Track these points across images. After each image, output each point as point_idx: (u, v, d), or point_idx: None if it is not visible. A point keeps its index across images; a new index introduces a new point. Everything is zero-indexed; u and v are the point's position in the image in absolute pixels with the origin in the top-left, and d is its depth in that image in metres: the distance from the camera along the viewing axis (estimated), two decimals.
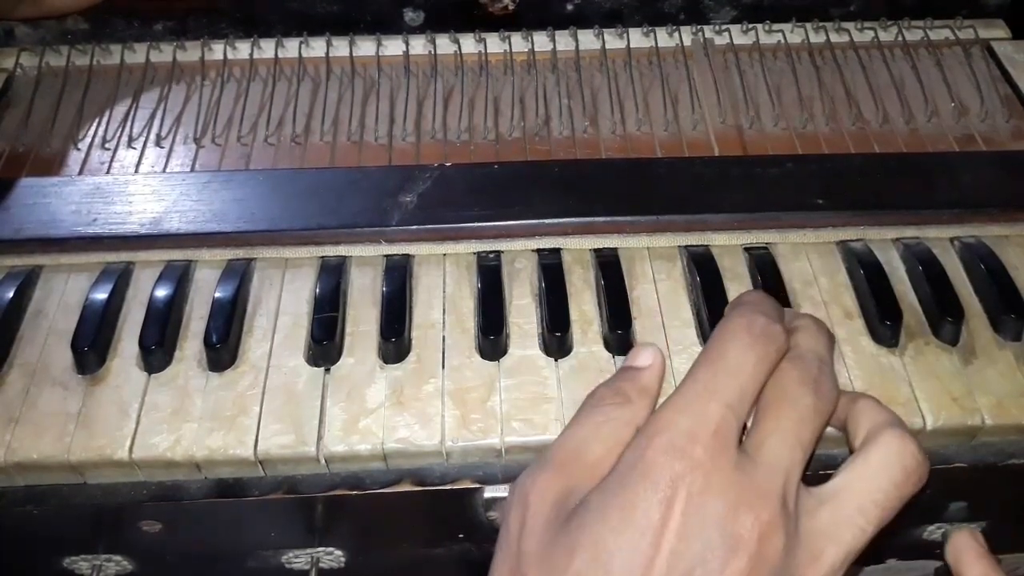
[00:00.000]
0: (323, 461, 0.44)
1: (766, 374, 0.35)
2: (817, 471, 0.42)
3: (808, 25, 0.65)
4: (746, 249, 0.51)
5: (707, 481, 0.32)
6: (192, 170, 0.56)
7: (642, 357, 0.39)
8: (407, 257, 0.51)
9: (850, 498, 0.33)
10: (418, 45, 0.64)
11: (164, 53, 0.63)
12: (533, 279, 0.50)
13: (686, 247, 0.51)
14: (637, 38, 0.64)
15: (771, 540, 0.31)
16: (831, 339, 0.40)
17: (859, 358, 0.46)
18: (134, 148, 0.57)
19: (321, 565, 0.49)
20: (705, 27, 0.65)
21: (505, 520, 0.35)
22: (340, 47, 0.64)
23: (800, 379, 0.35)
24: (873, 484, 0.34)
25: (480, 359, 0.47)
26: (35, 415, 0.44)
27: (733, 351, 0.35)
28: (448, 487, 0.44)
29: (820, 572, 0.32)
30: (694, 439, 0.32)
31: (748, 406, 0.35)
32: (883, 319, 0.47)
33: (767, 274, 0.49)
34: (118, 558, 0.48)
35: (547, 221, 0.51)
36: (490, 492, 0.44)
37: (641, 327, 0.48)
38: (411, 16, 0.65)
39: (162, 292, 0.49)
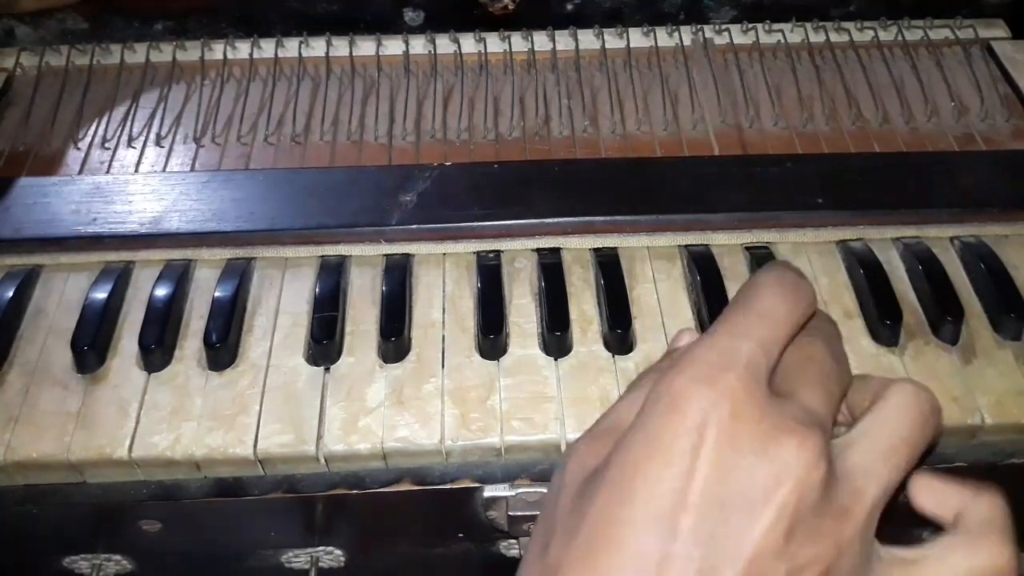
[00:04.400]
0: (323, 460, 0.44)
1: (795, 326, 0.34)
2: None
3: (808, 25, 0.65)
4: (747, 248, 0.51)
5: (741, 408, 0.30)
6: (192, 170, 0.56)
7: (684, 340, 0.39)
8: (407, 256, 0.51)
9: (878, 438, 0.32)
10: (418, 45, 0.64)
11: (164, 53, 0.64)
12: (533, 279, 0.50)
13: (686, 247, 0.51)
14: (637, 38, 0.64)
15: (815, 469, 0.30)
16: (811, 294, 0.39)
17: (859, 358, 0.46)
18: (134, 148, 0.57)
19: (321, 564, 0.49)
20: (705, 27, 0.65)
21: (547, 494, 0.34)
22: (340, 47, 0.64)
23: (824, 348, 0.35)
24: (896, 425, 0.33)
25: (480, 358, 0.47)
26: (35, 414, 0.44)
27: (766, 297, 0.34)
28: (448, 486, 0.44)
29: (863, 506, 0.31)
30: (725, 368, 0.31)
31: (778, 351, 0.33)
32: (883, 319, 0.47)
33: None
34: (118, 557, 0.48)
35: (547, 221, 0.51)
36: (490, 491, 0.44)
37: (641, 327, 0.48)
38: (411, 16, 0.65)
39: (162, 291, 0.49)
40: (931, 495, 0.35)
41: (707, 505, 0.29)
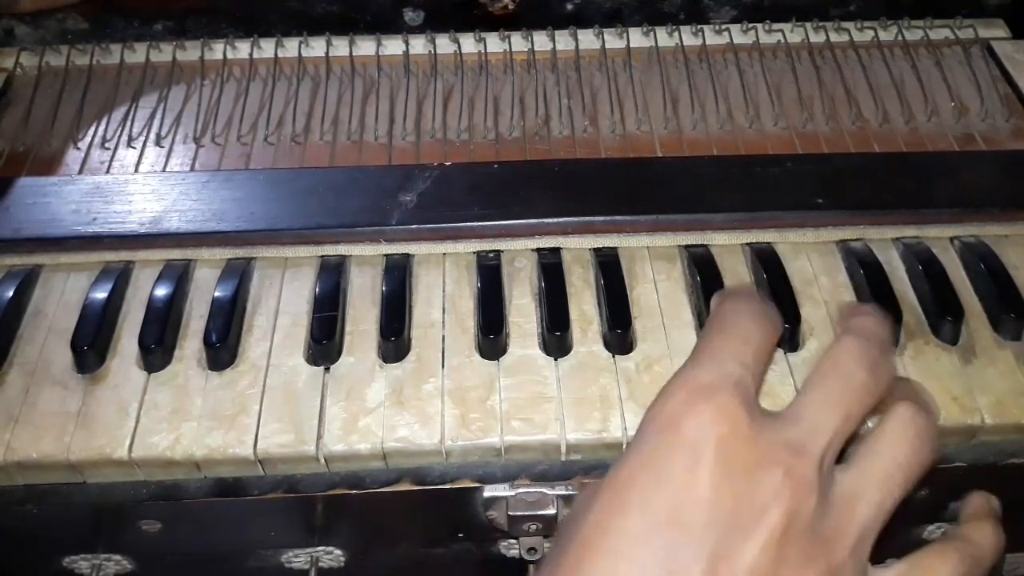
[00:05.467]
0: (323, 460, 0.44)
1: (772, 347, 0.35)
2: None
3: (808, 25, 0.65)
4: (749, 246, 0.51)
5: (736, 427, 0.30)
6: (192, 169, 0.56)
7: None
8: (407, 256, 0.51)
9: (874, 462, 0.33)
10: (418, 45, 0.64)
11: (164, 53, 0.63)
12: (533, 278, 0.50)
13: (686, 247, 0.51)
14: (637, 38, 0.64)
15: (806, 497, 0.30)
16: (890, 329, 0.39)
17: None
18: (134, 147, 0.57)
19: (321, 564, 0.49)
20: (705, 27, 0.65)
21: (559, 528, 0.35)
22: (340, 47, 0.64)
23: (858, 357, 0.34)
24: (893, 450, 0.33)
25: (480, 358, 0.46)
26: (35, 414, 0.44)
27: (742, 322, 0.34)
28: (448, 486, 0.44)
29: (855, 530, 0.31)
30: (717, 388, 0.31)
31: (762, 372, 0.34)
32: None
33: (771, 271, 0.49)
34: (118, 557, 0.48)
35: (547, 221, 0.51)
36: (490, 491, 0.44)
37: (641, 327, 0.48)
38: (411, 16, 0.65)
39: (162, 291, 0.49)
40: None
41: (702, 526, 0.29)
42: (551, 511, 0.43)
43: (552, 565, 0.31)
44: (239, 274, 0.50)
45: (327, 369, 0.46)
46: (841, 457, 0.34)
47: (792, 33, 0.65)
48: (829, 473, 0.32)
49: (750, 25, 0.65)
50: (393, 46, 0.64)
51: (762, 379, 0.34)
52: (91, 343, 0.46)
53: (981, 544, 0.35)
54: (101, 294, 0.48)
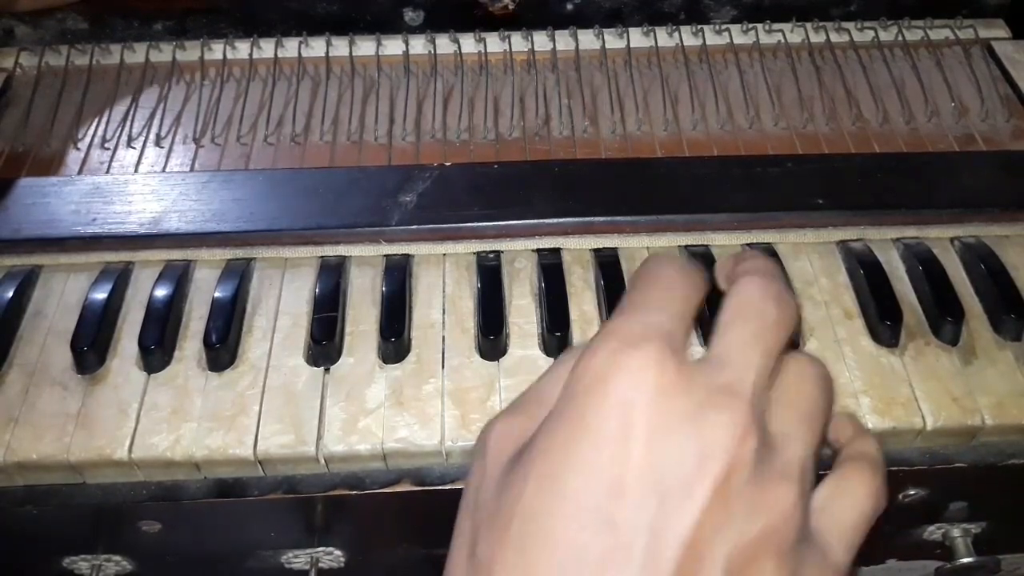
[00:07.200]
0: (323, 461, 0.44)
1: (698, 300, 0.34)
2: None
3: (808, 25, 0.65)
4: (749, 246, 0.51)
5: (665, 379, 0.29)
6: (191, 170, 0.56)
7: None
8: (407, 257, 0.51)
9: (797, 405, 0.32)
10: (418, 45, 0.64)
11: (163, 53, 0.63)
12: (533, 279, 0.50)
13: (686, 247, 0.51)
14: (637, 38, 0.64)
15: (746, 441, 0.29)
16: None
17: (859, 358, 0.46)
18: (133, 148, 0.57)
19: (321, 565, 0.49)
20: (705, 27, 0.65)
21: (468, 474, 0.33)
22: (340, 47, 0.64)
23: (764, 293, 0.33)
24: (809, 391, 0.33)
25: (480, 359, 0.46)
26: (35, 415, 0.44)
27: (665, 276, 0.33)
28: (448, 487, 0.44)
29: (796, 469, 0.30)
30: (643, 339, 0.30)
31: (688, 323, 0.32)
32: (883, 319, 0.47)
33: None
34: (118, 558, 0.48)
35: (547, 221, 0.51)
36: None
37: None
38: (411, 16, 0.65)
39: (161, 292, 0.49)
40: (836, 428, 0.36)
41: (642, 490, 0.28)
42: None
43: (484, 556, 0.29)
44: (239, 275, 0.50)
45: (327, 370, 0.46)
46: None
47: (792, 33, 0.65)
48: (762, 415, 0.31)
49: (750, 25, 0.65)
50: (393, 46, 0.64)
51: (690, 329, 0.33)
52: (91, 344, 0.46)
53: (874, 453, 0.35)
54: (101, 295, 0.48)
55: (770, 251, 0.51)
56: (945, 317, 0.47)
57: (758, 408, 0.30)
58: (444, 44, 0.64)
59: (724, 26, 0.65)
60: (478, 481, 0.31)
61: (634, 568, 0.27)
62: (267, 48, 0.64)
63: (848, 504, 0.32)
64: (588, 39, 0.64)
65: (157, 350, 0.46)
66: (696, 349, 0.47)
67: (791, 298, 0.34)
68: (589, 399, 0.29)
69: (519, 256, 0.51)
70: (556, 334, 0.46)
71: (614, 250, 0.51)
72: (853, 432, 0.36)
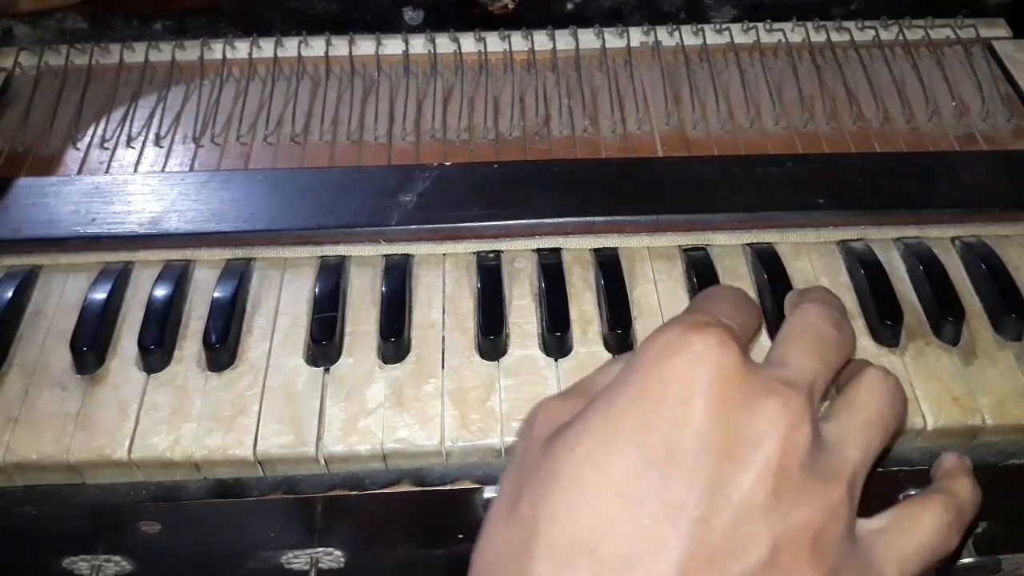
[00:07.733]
0: (322, 461, 0.44)
1: (757, 322, 0.37)
2: None
3: (809, 24, 0.65)
4: (749, 246, 0.51)
5: (729, 364, 0.30)
6: (191, 170, 0.56)
7: None
8: (407, 257, 0.51)
9: (857, 411, 0.33)
10: (418, 44, 0.64)
11: (163, 52, 0.63)
12: (533, 279, 0.50)
13: (686, 247, 0.51)
14: (637, 37, 0.64)
15: (798, 430, 0.30)
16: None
17: (860, 358, 0.46)
18: (133, 148, 0.57)
19: (320, 565, 0.49)
20: (706, 26, 0.65)
21: (514, 450, 0.33)
22: (339, 46, 0.64)
23: (822, 315, 0.35)
24: (871, 401, 0.33)
25: (480, 359, 0.46)
26: (34, 415, 0.44)
27: (728, 294, 0.36)
28: (448, 487, 0.44)
29: (849, 471, 0.31)
30: (711, 326, 0.31)
31: (749, 334, 0.35)
32: (884, 319, 0.47)
33: (772, 271, 0.49)
34: (117, 558, 0.48)
35: (547, 221, 0.51)
36: (490, 492, 0.44)
37: (641, 327, 0.48)
38: (411, 15, 0.65)
39: (161, 292, 0.48)
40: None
41: (698, 452, 0.29)
42: None
43: (529, 509, 0.30)
44: (238, 275, 0.50)
45: (327, 370, 0.46)
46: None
47: (793, 32, 0.65)
48: (818, 411, 0.32)
49: (751, 24, 0.65)
50: (393, 46, 0.64)
51: (749, 344, 0.35)
52: (90, 344, 0.46)
53: (961, 495, 0.35)
54: (100, 295, 0.48)
55: (770, 251, 0.51)
56: (946, 317, 0.47)
57: (813, 405, 0.31)
58: (444, 43, 0.64)
59: (724, 25, 0.65)
60: (523, 449, 0.32)
61: (684, 526, 0.28)
62: (267, 48, 0.63)
63: (912, 530, 0.33)
64: (588, 38, 0.64)
65: (157, 350, 0.46)
66: None
67: (849, 326, 0.36)
68: (651, 370, 0.30)
69: (519, 256, 0.51)
70: (556, 334, 0.46)
71: (614, 250, 0.51)
72: (955, 470, 0.37)
